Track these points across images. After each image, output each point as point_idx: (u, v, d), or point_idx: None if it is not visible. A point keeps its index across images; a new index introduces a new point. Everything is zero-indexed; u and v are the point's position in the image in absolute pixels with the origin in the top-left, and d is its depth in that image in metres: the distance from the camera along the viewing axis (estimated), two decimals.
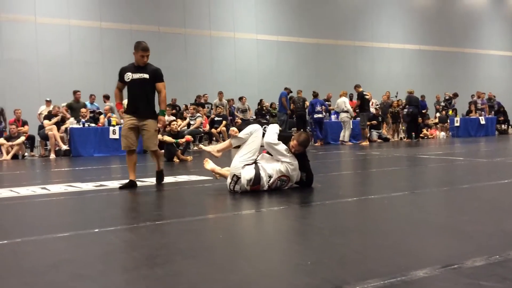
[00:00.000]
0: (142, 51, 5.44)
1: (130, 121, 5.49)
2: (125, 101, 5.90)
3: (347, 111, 14.71)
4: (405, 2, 23.74)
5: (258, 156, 4.93)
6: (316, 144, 14.66)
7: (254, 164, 4.80)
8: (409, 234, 2.94)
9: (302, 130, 14.32)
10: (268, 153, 4.97)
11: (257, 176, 4.70)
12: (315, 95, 15.26)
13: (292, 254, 2.58)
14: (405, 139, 16.80)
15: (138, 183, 5.85)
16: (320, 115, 14.87)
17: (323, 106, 15.18)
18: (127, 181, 5.54)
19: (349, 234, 2.96)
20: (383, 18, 22.98)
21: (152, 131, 5.59)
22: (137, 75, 5.47)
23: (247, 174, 4.71)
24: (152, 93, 5.61)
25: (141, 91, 5.50)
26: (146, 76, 5.48)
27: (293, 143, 4.82)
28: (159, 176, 5.84)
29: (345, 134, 14.86)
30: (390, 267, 2.21)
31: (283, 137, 4.97)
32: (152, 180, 6.09)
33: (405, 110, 16.41)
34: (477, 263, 2.23)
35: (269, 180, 4.74)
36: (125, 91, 5.71)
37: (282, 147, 4.81)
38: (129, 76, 5.46)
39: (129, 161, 5.63)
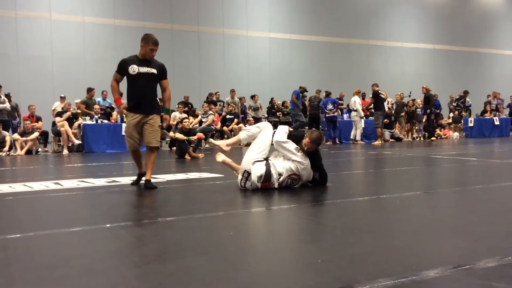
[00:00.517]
0: (153, 45, 5.13)
1: (135, 120, 5.19)
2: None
3: (356, 110, 14.72)
4: (419, 0, 23.53)
5: (269, 153, 4.94)
6: (327, 143, 14.62)
7: (265, 161, 4.81)
8: (421, 234, 2.92)
9: (314, 128, 14.32)
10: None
11: (268, 173, 4.70)
12: (328, 94, 15.21)
13: (303, 253, 2.58)
14: (419, 139, 16.66)
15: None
16: (331, 114, 14.82)
17: (335, 104, 15.11)
18: (136, 176, 5.53)
19: (360, 233, 2.95)
20: (397, 17, 22.82)
21: (156, 126, 5.29)
22: (144, 69, 5.14)
23: (258, 170, 4.72)
24: (156, 88, 5.37)
25: (147, 85, 5.21)
26: (154, 71, 5.20)
27: (305, 140, 4.83)
28: (148, 185, 5.18)
29: (356, 133, 14.90)
30: (401, 267, 2.20)
31: (296, 136, 4.97)
32: (163, 177, 6.12)
33: (432, 108, 16.05)
34: (489, 264, 2.21)
35: (279, 178, 4.74)
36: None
37: (291, 145, 4.82)
38: (135, 69, 5.10)
39: (135, 156, 5.48)
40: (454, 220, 3.32)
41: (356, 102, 14.85)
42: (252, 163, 4.78)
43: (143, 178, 5.33)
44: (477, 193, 4.58)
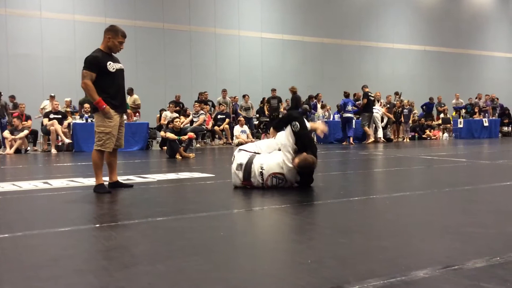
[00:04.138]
0: (123, 37, 4.83)
1: (118, 119, 4.90)
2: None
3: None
4: (411, 2, 23.67)
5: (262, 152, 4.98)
6: (343, 143, 14.64)
7: (251, 154, 4.86)
8: (410, 235, 2.93)
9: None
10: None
11: (248, 164, 4.73)
12: (347, 95, 15.24)
13: (294, 253, 2.58)
14: (406, 140, 16.74)
15: (140, 180, 5.87)
16: (349, 114, 14.87)
17: (354, 106, 15.20)
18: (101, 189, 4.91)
19: (350, 234, 2.96)
20: (388, 18, 22.94)
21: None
22: (118, 65, 4.85)
23: (240, 159, 4.81)
24: None
25: (123, 83, 4.97)
26: (123, 66, 4.97)
27: (295, 159, 4.66)
28: (121, 185, 5.17)
29: (380, 131, 15.52)
30: (390, 267, 2.21)
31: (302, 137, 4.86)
32: (154, 177, 6.10)
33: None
34: (478, 265, 2.22)
35: (261, 172, 4.72)
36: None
37: (290, 145, 4.80)
38: (113, 66, 4.79)
39: (113, 158, 5.10)
40: (443, 220, 3.34)
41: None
42: (238, 150, 4.91)
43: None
44: (466, 194, 4.61)
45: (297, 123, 4.74)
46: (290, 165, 4.70)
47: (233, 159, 4.94)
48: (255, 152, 4.91)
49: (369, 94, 14.81)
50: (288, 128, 4.78)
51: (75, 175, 6.58)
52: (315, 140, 15.91)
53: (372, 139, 14.89)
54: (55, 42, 16.43)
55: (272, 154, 4.87)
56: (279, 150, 4.87)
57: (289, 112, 5.19)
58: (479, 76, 25.15)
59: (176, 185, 5.52)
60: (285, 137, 4.78)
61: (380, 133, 15.55)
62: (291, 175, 4.78)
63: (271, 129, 5.20)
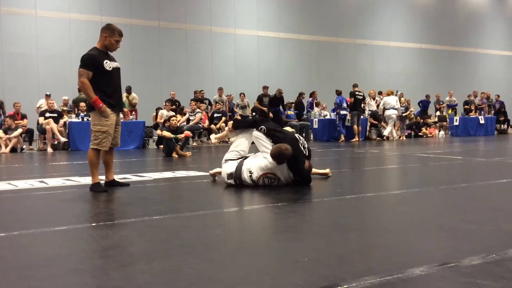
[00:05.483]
0: (119, 36, 4.81)
1: (114, 117, 4.88)
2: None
3: (395, 108, 15.44)
4: (406, 0, 23.69)
5: (247, 154, 5.07)
6: (340, 141, 14.73)
7: (239, 160, 4.91)
8: (407, 232, 2.94)
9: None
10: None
11: (238, 170, 4.78)
12: (339, 93, 15.29)
13: (290, 251, 2.58)
14: (402, 138, 16.79)
15: (136, 178, 5.86)
16: (345, 112, 15.01)
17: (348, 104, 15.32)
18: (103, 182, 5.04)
19: (347, 232, 2.96)
20: (384, 16, 22.95)
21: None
22: (114, 64, 4.83)
23: (228, 168, 4.88)
24: None
25: (119, 81, 4.96)
26: (119, 64, 4.94)
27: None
28: (117, 184, 5.16)
29: (389, 130, 15.59)
30: (387, 265, 2.21)
31: (277, 138, 4.90)
32: (150, 175, 6.09)
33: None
34: (474, 262, 2.23)
35: (250, 175, 4.74)
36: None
37: (267, 144, 4.87)
38: (110, 64, 4.76)
39: (109, 157, 5.10)
40: (439, 218, 3.35)
41: (397, 101, 15.66)
42: (224, 161, 4.98)
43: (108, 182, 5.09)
44: (462, 192, 4.63)
45: (263, 127, 4.96)
46: (272, 162, 4.71)
47: (222, 172, 5.02)
48: (241, 157, 4.98)
49: (356, 93, 14.90)
50: (258, 133, 4.93)
51: (71, 174, 6.56)
52: (311, 137, 16.11)
53: (357, 138, 15.01)
54: (51, 41, 16.36)
55: (258, 157, 4.89)
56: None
57: (254, 118, 5.41)
58: (474, 73, 25.21)
59: (173, 184, 5.51)
60: (256, 140, 4.93)
61: (386, 132, 15.58)
62: (281, 171, 4.75)
63: (230, 125, 5.33)
